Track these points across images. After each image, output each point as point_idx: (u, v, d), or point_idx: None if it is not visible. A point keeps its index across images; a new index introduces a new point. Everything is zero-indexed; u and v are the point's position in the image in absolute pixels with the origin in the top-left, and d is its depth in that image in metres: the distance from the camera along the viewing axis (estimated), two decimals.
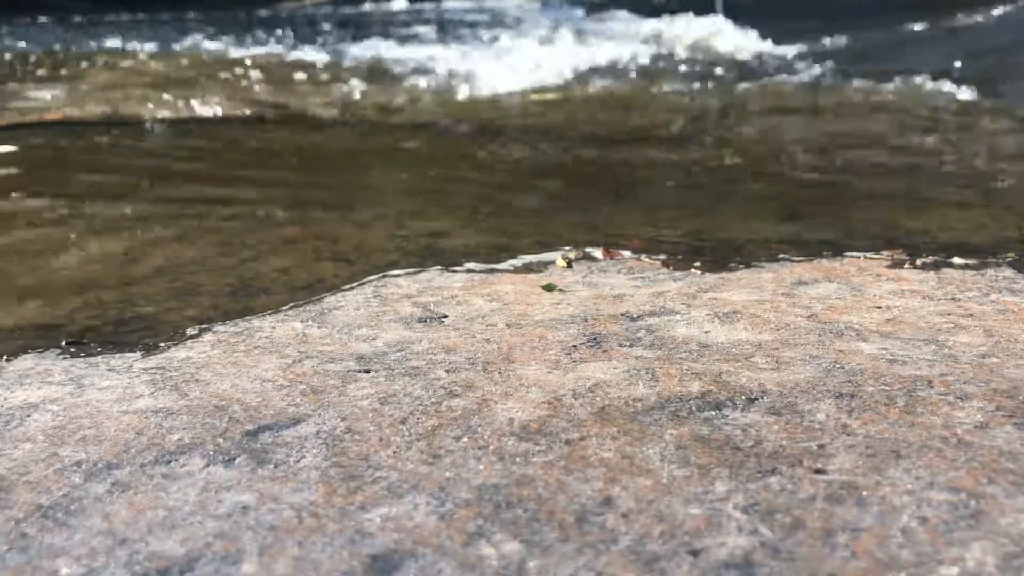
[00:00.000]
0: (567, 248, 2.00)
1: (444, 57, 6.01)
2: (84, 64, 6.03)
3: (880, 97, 4.36)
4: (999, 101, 4.10)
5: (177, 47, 7.00)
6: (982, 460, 1.03)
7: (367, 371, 1.35)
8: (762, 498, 0.97)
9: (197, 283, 1.88)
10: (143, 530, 0.96)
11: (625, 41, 6.43)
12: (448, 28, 8.12)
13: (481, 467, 1.06)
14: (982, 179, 2.82)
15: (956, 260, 1.85)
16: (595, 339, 1.46)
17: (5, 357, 1.47)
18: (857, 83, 4.77)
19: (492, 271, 1.88)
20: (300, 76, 5.53)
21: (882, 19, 6.62)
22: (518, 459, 1.08)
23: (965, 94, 4.25)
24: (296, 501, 1.00)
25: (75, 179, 3.00)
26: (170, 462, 1.10)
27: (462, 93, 4.88)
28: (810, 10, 7.30)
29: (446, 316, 1.59)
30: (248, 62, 6.15)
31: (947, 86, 4.40)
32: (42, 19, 8.84)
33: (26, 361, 1.45)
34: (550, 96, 4.72)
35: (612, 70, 5.54)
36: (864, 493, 0.98)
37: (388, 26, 8.42)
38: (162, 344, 1.51)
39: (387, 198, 2.66)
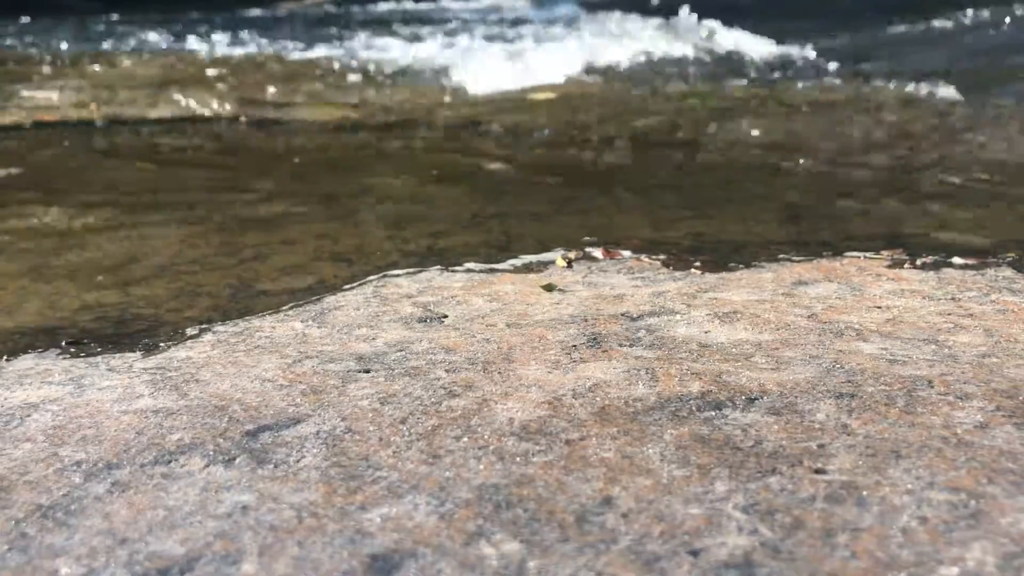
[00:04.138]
0: (567, 248, 2.00)
1: (443, 57, 6.01)
2: (84, 64, 6.03)
3: (880, 97, 4.36)
4: (998, 101, 4.10)
5: (177, 47, 7.00)
6: (982, 460, 1.03)
7: (367, 371, 1.35)
8: (762, 498, 0.97)
9: (197, 283, 1.88)
10: (143, 530, 0.96)
11: (625, 41, 6.43)
12: (447, 28, 8.12)
13: (481, 467, 1.06)
14: (982, 179, 2.82)
15: (956, 260, 1.85)
16: (595, 339, 1.46)
17: (5, 357, 1.47)
18: (857, 83, 4.77)
19: (492, 271, 1.88)
20: (299, 76, 5.53)
21: (881, 19, 6.62)
22: (518, 459, 1.08)
23: (964, 94, 4.25)
24: (296, 501, 1.00)
25: (75, 179, 3.00)
26: (170, 462, 1.10)
27: (461, 93, 4.88)
28: (810, 10, 7.29)
29: (446, 316, 1.59)
30: (248, 62, 6.15)
31: (946, 86, 4.40)
32: (44, 19, 8.84)
33: (26, 361, 1.45)
34: (550, 96, 4.72)
35: (612, 70, 5.54)
36: (864, 493, 0.98)
37: (387, 26, 8.42)
38: (162, 344, 1.51)
39: (387, 198, 2.66)
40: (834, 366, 1.31)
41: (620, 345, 1.43)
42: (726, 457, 1.06)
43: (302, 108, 4.43)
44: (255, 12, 10.08)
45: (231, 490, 1.03)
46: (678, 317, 1.55)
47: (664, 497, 0.98)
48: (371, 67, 5.82)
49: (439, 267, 1.90)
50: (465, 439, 1.13)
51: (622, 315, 1.57)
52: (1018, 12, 6.26)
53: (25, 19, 8.66)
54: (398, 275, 1.85)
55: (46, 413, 1.24)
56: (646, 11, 7.58)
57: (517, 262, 1.93)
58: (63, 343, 1.53)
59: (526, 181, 2.95)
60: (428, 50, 6.46)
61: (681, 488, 1.00)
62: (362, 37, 7.51)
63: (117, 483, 1.05)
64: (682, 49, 6.22)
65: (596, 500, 0.98)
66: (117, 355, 1.46)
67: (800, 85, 4.90)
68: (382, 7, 10.48)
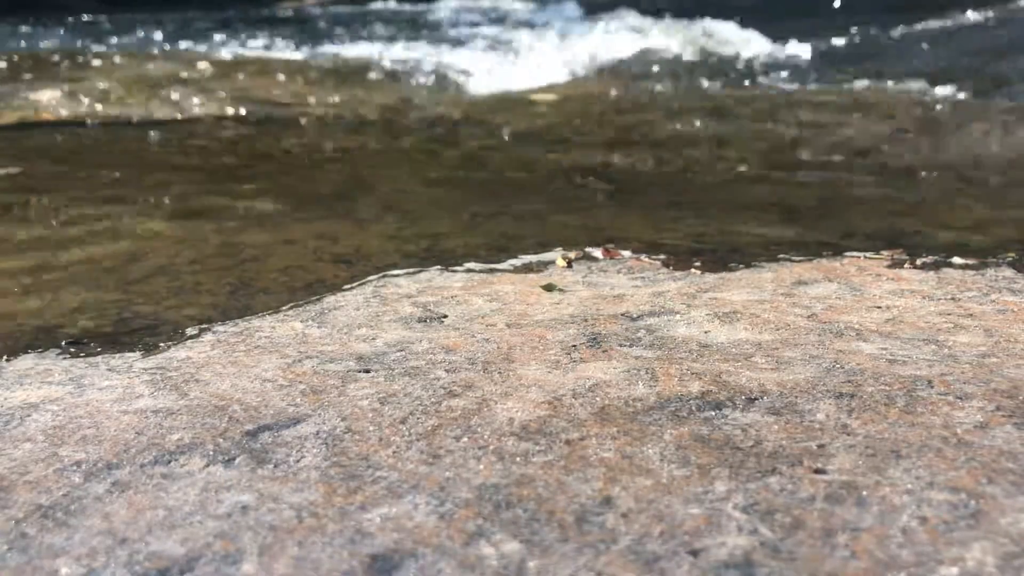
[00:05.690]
0: (567, 248, 2.00)
1: (444, 57, 6.01)
2: (84, 64, 6.03)
3: (880, 97, 4.36)
4: (998, 101, 4.10)
5: (177, 47, 7.00)
6: (982, 460, 1.03)
7: (367, 371, 1.35)
8: (762, 498, 0.97)
9: (197, 283, 1.88)
10: (143, 530, 0.96)
11: (625, 41, 6.43)
12: (448, 28, 8.12)
13: (481, 467, 1.06)
14: (982, 179, 2.82)
15: (956, 260, 1.85)
16: (595, 339, 1.46)
17: (5, 357, 1.47)
18: (857, 83, 4.77)
19: (492, 271, 1.88)
20: (300, 76, 5.53)
21: (881, 19, 6.62)
22: (518, 459, 1.08)
23: (964, 94, 4.25)
24: (296, 501, 1.00)
25: (75, 179, 3.00)
26: (170, 462, 1.10)
27: (462, 93, 4.88)
28: (811, 10, 7.29)
29: (446, 316, 1.59)
30: (248, 62, 6.15)
31: (946, 86, 4.40)
32: (45, 19, 8.84)
33: (26, 361, 1.45)
34: (550, 96, 4.72)
35: (612, 70, 5.54)
36: (864, 493, 0.98)
37: (388, 26, 8.42)
38: (162, 344, 1.51)
39: (387, 198, 2.66)
40: (834, 366, 1.31)
41: (620, 345, 1.43)
42: (726, 457, 1.06)
43: (302, 108, 4.43)
44: (254, 12, 10.08)
45: (231, 490, 1.03)
46: (678, 317, 1.55)
47: (664, 497, 0.98)
48: (371, 67, 5.82)
49: (439, 267, 1.90)
50: (465, 439, 1.13)
51: (622, 315, 1.57)
52: (1018, 12, 6.26)
53: (25, 19, 8.66)
54: (398, 275, 1.85)
55: (46, 413, 1.24)
56: (647, 11, 7.57)
57: (517, 262, 1.93)
58: (63, 343, 1.53)
59: (526, 181, 2.95)
60: (430, 50, 6.46)
61: (681, 488, 1.00)
62: (362, 37, 7.51)
63: (117, 483, 1.05)
64: (683, 49, 6.22)
65: (596, 500, 0.98)
66: (117, 355, 1.46)
67: (801, 85, 4.90)
68: (383, 7, 10.48)
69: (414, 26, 8.38)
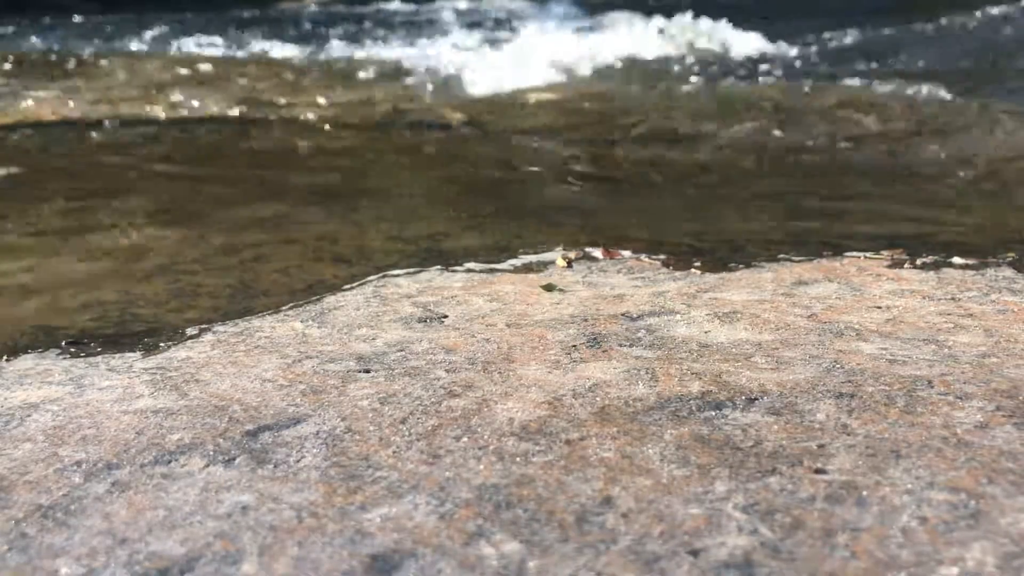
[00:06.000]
0: (567, 248, 2.00)
1: (444, 57, 6.00)
2: (84, 64, 6.03)
3: (879, 97, 4.36)
4: (997, 101, 4.10)
5: (177, 47, 7.00)
6: (982, 460, 1.03)
7: (367, 371, 1.35)
8: (762, 498, 0.97)
9: (197, 283, 1.88)
10: (143, 530, 0.96)
11: (625, 41, 6.42)
12: (447, 28, 8.12)
13: (481, 467, 1.06)
14: (982, 179, 2.82)
15: (956, 260, 1.85)
16: (595, 339, 1.46)
17: (5, 357, 1.47)
18: (857, 83, 4.77)
19: (492, 271, 1.88)
20: (300, 76, 5.53)
21: (881, 19, 6.62)
22: (518, 459, 1.08)
23: (963, 94, 4.25)
24: (296, 501, 1.00)
25: (75, 179, 3.00)
26: (170, 462, 1.10)
27: (461, 93, 4.88)
28: (810, 10, 7.29)
29: (446, 316, 1.59)
30: (248, 62, 6.15)
31: (945, 85, 4.40)
32: (45, 19, 8.83)
33: (26, 361, 1.45)
34: (549, 95, 4.71)
35: (612, 70, 5.54)
36: (864, 493, 0.98)
37: (388, 26, 8.42)
38: (162, 344, 1.51)
39: (387, 198, 2.66)
40: (834, 366, 1.31)
41: (620, 345, 1.43)
42: (726, 457, 1.06)
43: (301, 108, 4.43)
44: (254, 12, 10.08)
45: (231, 490, 1.03)
46: (678, 317, 1.55)
47: (664, 497, 0.98)
48: (370, 67, 5.81)
49: (439, 267, 1.90)
50: (465, 439, 1.13)
51: (622, 315, 1.57)
52: (1017, 12, 6.26)
53: (24, 19, 8.65)
54: (398, 275, 1.85)
55: (46, 413, 1.24)
56: (645, 11, 7.57)
57: (517, 262, 1.93)
58: (63, 343, 1.53)
59: (526, 181, 2.95)
60: (427, 50, 6.46)
61: (681, 488, 1.00)
62: (362, 37, 7.50)
63: (117, 483, 1.05)
64: (681, 49, 6.22)
65: (596, 500, 0.98)
66: (117, 355, 1.46)
67: (799, 85, 4.90)
68: (382, 7, 10.48)
69: (413, 26, 8.38)
